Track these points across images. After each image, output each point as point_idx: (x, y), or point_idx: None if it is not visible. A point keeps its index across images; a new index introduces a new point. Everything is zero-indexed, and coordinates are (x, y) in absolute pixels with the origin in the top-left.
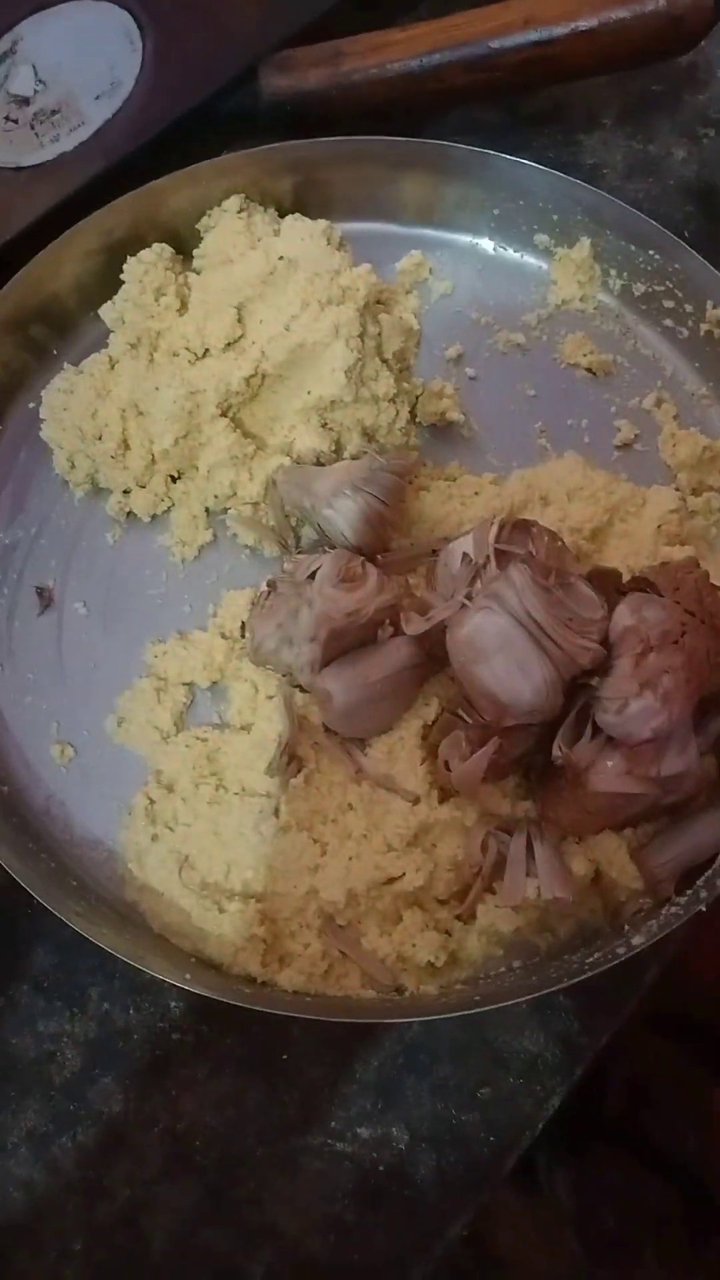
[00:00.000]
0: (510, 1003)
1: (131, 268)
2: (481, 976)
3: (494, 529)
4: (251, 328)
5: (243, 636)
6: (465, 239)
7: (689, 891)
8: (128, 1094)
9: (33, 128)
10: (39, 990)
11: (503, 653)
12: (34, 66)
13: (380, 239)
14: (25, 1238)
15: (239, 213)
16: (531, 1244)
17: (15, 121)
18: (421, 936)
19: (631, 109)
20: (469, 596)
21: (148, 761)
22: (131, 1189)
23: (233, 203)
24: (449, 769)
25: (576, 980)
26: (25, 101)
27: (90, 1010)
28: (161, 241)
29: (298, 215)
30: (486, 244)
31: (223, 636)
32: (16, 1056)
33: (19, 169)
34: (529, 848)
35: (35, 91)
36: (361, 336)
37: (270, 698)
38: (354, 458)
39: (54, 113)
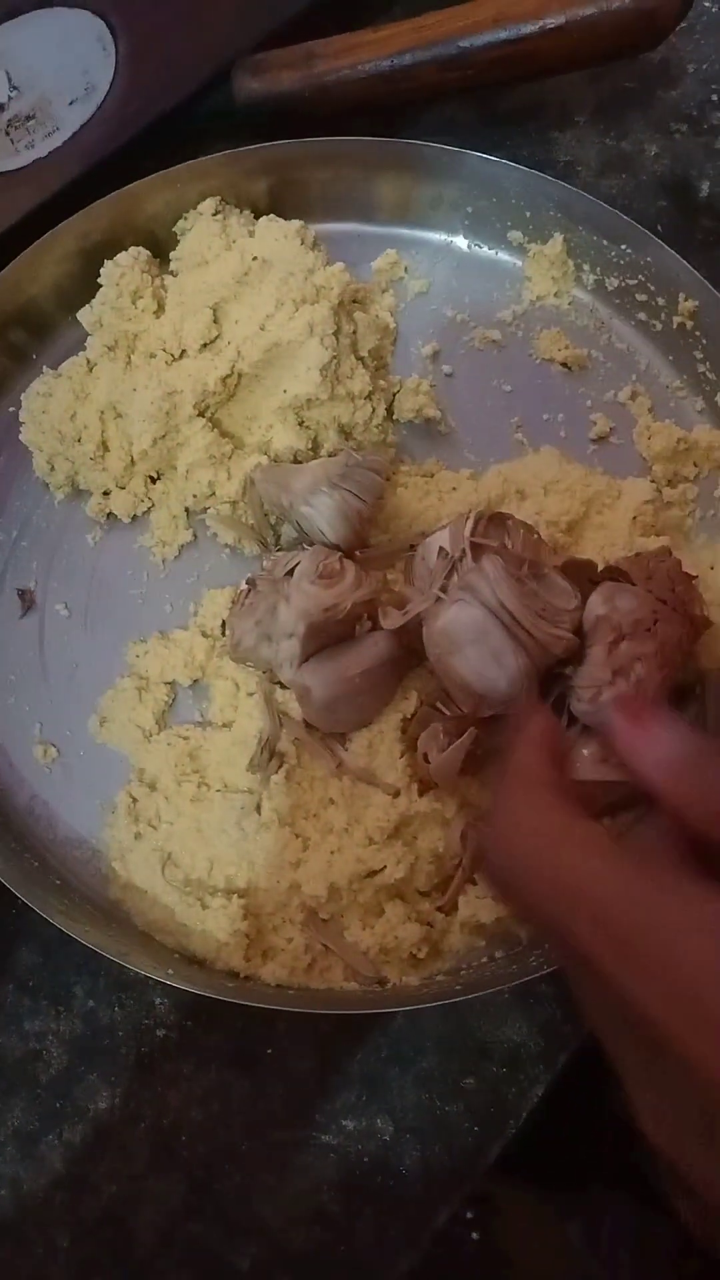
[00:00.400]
0: (492, 991)
1: (108, 271)
2: (463, 967)
3: (469, 523)
4: (227, 328)
5: (223, 635)
6: (440, 237)
7: None
8: (113, 1091)
9: (7, 134)
10: (24, 989)
11: (477, 644)
12: (7, 73)
13: (356, 239)
14: (12, 1235)
15: (214, 215)
16: (538, 1243)
17: None
18: (403, 928)
19: (605, 106)
20: (444, 589)
21: (130, 760)
22: (118, 1185)
23: (208, 205)
24: (428, 761)
25: (558, 967)
26: None
27: (75, 1008)
28: (138, 245)
29: (272, 216)
30: (461, 242)
31: (204, 635)
32: (2, 1055)
33: None
34: None
35: (9, 98)
36: (336, 334)
37: (251, 695)
38: (331, 455)
39: (28, 119)
